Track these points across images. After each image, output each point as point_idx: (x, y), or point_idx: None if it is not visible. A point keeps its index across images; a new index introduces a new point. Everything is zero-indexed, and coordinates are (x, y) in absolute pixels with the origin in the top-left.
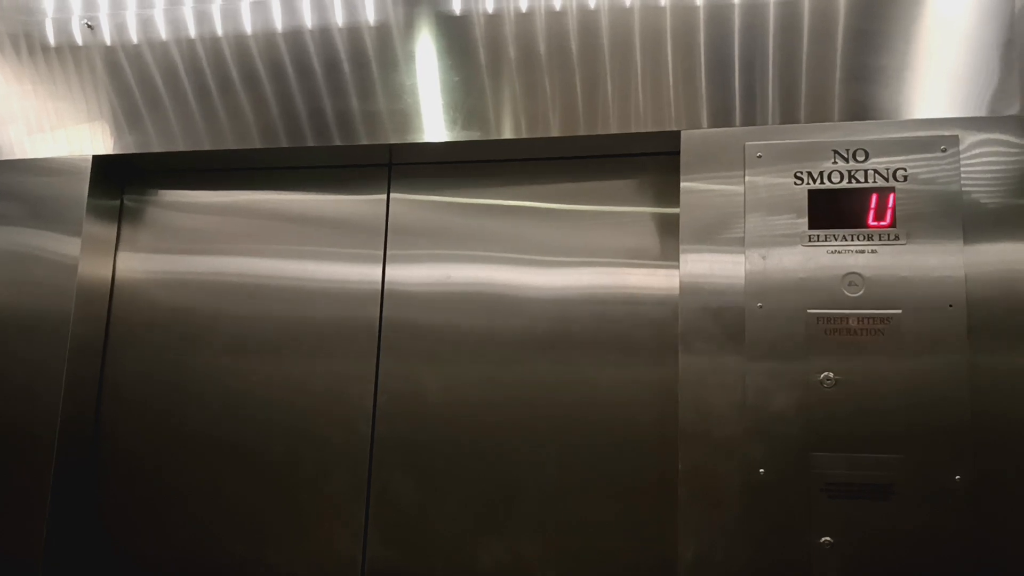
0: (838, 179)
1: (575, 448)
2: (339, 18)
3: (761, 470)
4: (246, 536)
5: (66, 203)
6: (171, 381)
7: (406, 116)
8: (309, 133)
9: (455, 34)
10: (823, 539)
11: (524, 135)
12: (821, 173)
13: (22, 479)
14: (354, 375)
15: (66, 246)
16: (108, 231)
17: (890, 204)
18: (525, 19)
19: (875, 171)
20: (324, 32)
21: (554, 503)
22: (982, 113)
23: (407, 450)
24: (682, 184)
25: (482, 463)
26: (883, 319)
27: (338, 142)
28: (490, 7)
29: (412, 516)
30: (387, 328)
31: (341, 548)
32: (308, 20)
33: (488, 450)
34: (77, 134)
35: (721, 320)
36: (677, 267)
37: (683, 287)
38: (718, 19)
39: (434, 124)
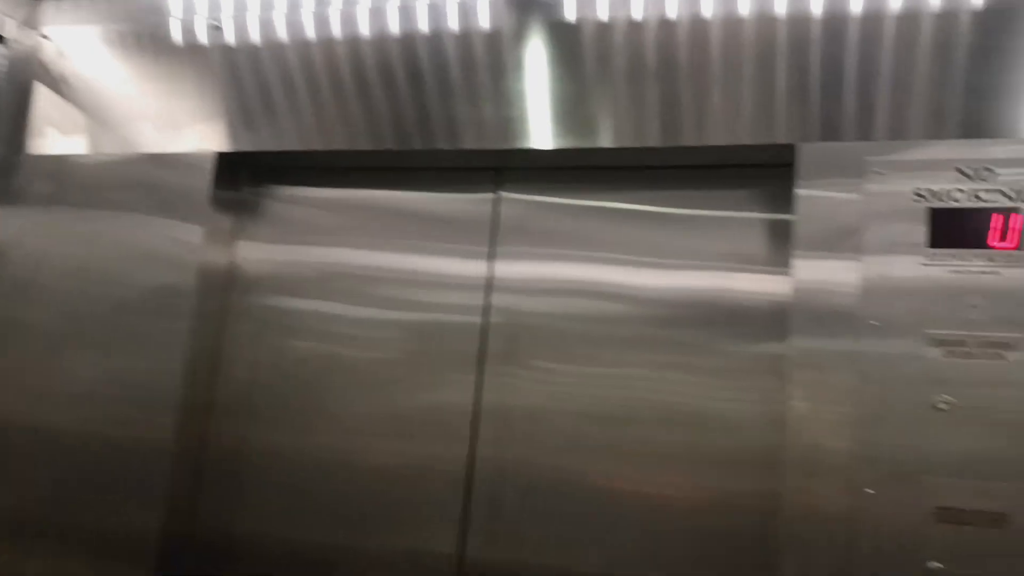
0: (960, 197)
1: (676, 447)
2: (452, 25)
3: (869, 490)
4: (352, 518)
5: (191, 195)
6: (283, 364)
7: (514, 123)
8: (417, 137)
9: (564, 43)
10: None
11: (632, 144)
12: (943, 191)
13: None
14: (460, 361)
15: (190, 234)
16: (228, 221)
17: (1015, 224)
18: (636, 29)
19: (999, 190)
20: (436, 39)
21: (655, 496)
22: None
23: (509, 434)
24: (799, 193)
25: (584, 454)
26: (1003, 343)
27: (445, 146)
28: (602, 16)
29: (514, 513)
30: (492, 318)
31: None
32: (422, 26)
33: (588, 443)
34: (201, 131)
35: (833, 330)
36: (783, 273)
37: (796, 292)
38: (833, 32)
39: (541, 132)
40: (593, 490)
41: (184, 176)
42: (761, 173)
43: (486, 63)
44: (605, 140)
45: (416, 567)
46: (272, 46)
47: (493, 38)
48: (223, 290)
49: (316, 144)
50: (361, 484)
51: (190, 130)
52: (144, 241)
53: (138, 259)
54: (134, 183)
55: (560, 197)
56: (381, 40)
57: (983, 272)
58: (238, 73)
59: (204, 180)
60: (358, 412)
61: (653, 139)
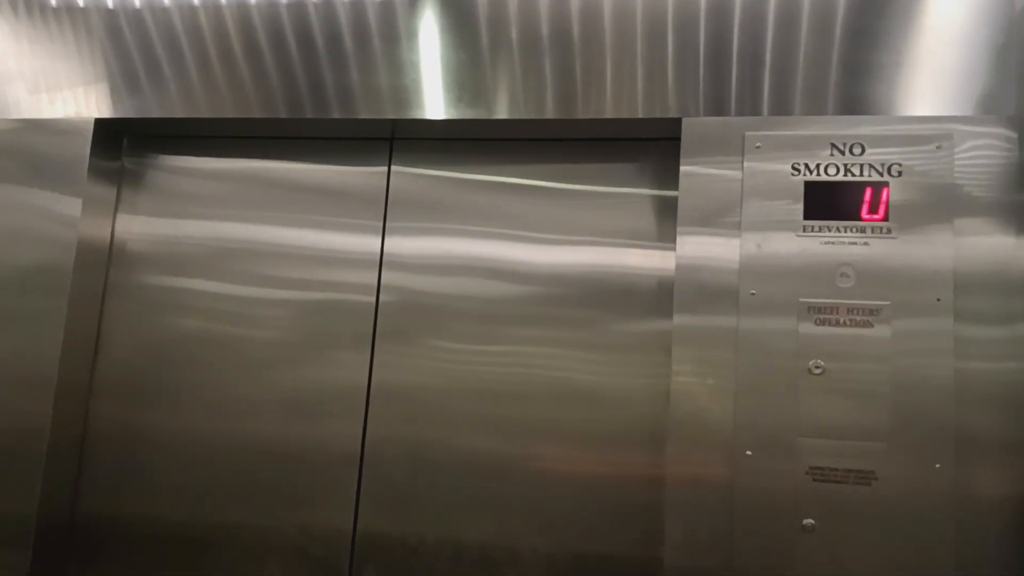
0: (834, 172)
1: (566, 423)
2: None
3: (748, 452)
4: (240, 498)
5: (68, 164)
6: (165, 339)
7: (408, 92)
8: (309, 105)
9: (458, 12)
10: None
11: (525, 116)
12: (818, 165)
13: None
14: (351, 338)
15: (67, 206)
16: (108, 193)
17: (884, 198)
18: (528, 1)
19: (870, 165)
20: (327, 5)
21: (544, 473)
22: (974, 112)
23: (402, 412)
24: (682, 168)
25: (476, 431)
26: (872, 310)
27: (338, 115)
28: None
29: (405, 487)
30: (384, 295)
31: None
32: None
33: (481, 420)
34: (79, 96)
35: (714, 302)
36: (672, 248)
37: (679, 268)
38: (719, 10)
39: (435, 101)
40: (486, 465)
41: (60, 144)
42: (654, 147)
43: (379, 31)
44: (499, 111)
45: (310, 542)
46: (155, 8)
47: (386, 6)
48: (103, 266)
49: (202, 111)
50: (253, 464)
51: (67, 94)
52: (17, 214)
53: (10, 233)
54: (5, 151)
55: (453, 171)
56: (271, 4)
57: (854, 243)
58: (119, 35)
59: (82, 148)
60: (248, 392)
61: (546, 111)
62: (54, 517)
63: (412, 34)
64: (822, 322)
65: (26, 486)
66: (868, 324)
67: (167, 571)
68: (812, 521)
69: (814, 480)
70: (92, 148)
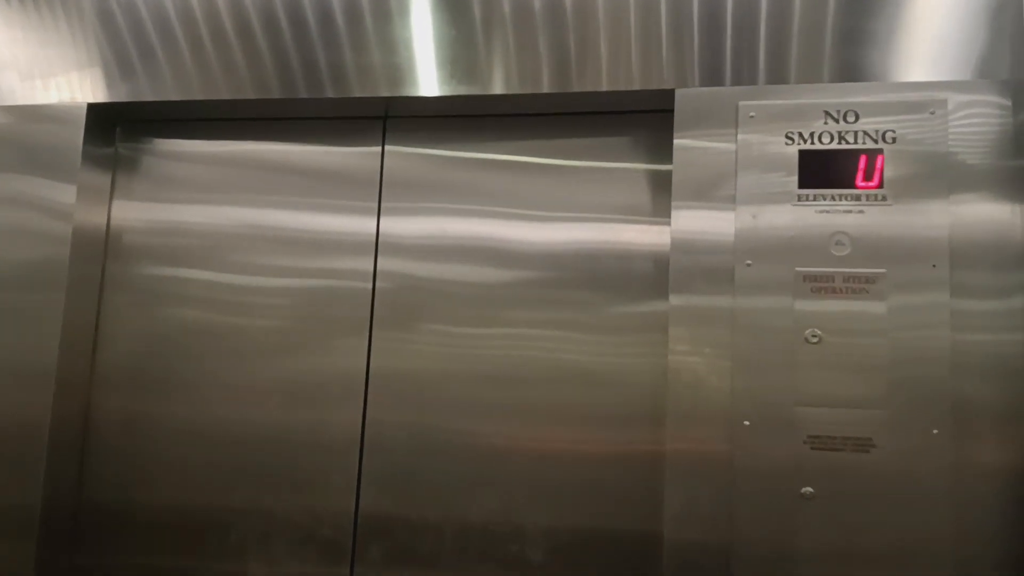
0: (828, 140)
1: (566, 400)
2: None
3: (746, 422)
4: (243, 484)
5: (61, 151)
6: (165, 327)
7: (401, 69)
8: (302, 85)
9: None
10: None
11: (518, 90)
12: (812, 133)
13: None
14: (348, 323)
15: (62, 194)
16: (103, 179)
17: (878, 165)
18: None
19: (864, 132)
20: None
21: (544, 452)
22: (969, 77)
23: (401, 396)
24: (675, 141)
25: (474, 412)
26: (868, 278)
27: (331, 94)
28: None
29: (405, 469)
30: (380, 277)
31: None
32: None
33: (479, 401)
34: (71, 82)
35: (710, 277)
36: (669, 224)
37: (674, 243)
38: None
39: (429, 78)
40: (485, 446)
41: (53, 131)
42: (648, 120)
43: (371, 8)
44: (493, 87)
45: (314, 525)
46: None
47: None
48: (100, 254)
49: (195, 94)
50: (256, 450)
51: (59, 80)
52: (10, 203)
53: (5, 223)
54: None
55: (448, 149)
56: None
57: (849, 211)
58: (110, 18)
59: (75, 134)
60: (248, 379)
61: (540, 85)
62: (58, 508)
63: (404, 11)
64: (818, 291)
65: (30, 478)
66: (864, 292)
67: (173, 558)
68: (811, 489)
69: (812, 449)
70: (85, 134)
